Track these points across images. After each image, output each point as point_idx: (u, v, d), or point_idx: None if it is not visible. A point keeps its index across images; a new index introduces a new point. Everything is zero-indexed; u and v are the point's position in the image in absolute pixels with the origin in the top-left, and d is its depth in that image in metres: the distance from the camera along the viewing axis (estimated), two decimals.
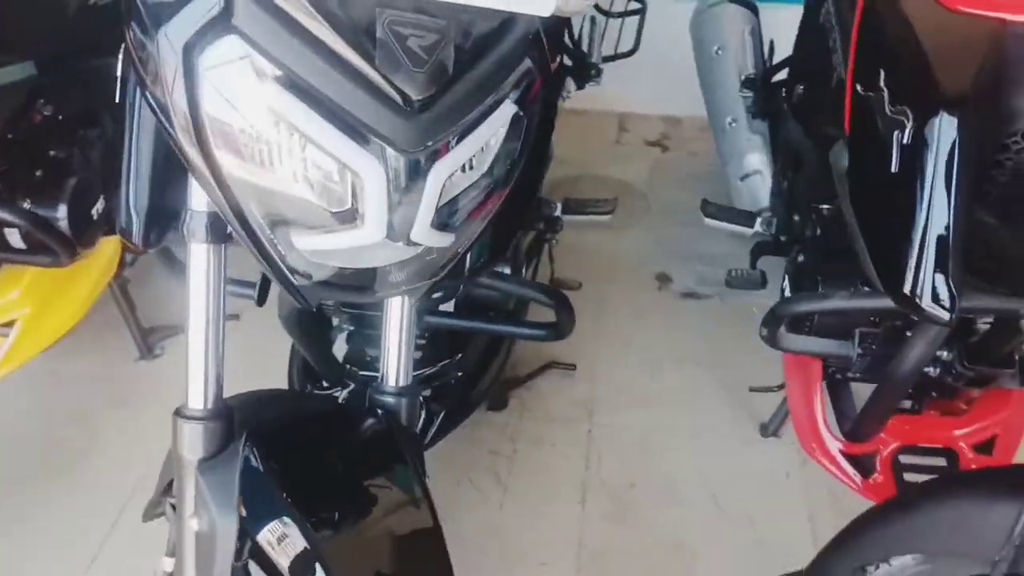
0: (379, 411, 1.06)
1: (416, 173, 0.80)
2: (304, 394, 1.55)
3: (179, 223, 1.02)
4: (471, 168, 0.85)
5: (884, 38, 1.10)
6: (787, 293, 1.49)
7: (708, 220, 1.95)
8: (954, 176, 0.96)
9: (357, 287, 0.91)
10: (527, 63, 0.86)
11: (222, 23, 0.74)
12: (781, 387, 1.86)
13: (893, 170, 1.00)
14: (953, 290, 0.96)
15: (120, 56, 1.05)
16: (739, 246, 2.14)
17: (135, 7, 0.78)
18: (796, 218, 1.66)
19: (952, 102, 0.97)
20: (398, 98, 0.77)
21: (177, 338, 2.08)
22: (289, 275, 0.85)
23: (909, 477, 1.51)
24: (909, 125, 0.99)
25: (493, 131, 0.85)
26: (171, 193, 1.12)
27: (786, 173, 1.81)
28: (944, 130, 0.96)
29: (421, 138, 0.79)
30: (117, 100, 1.07)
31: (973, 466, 1.44)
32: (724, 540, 1.72)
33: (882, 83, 1.05)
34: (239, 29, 0.74)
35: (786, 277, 1.51)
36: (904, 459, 1.49)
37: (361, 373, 1.54)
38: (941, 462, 1.52)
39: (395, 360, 1.07)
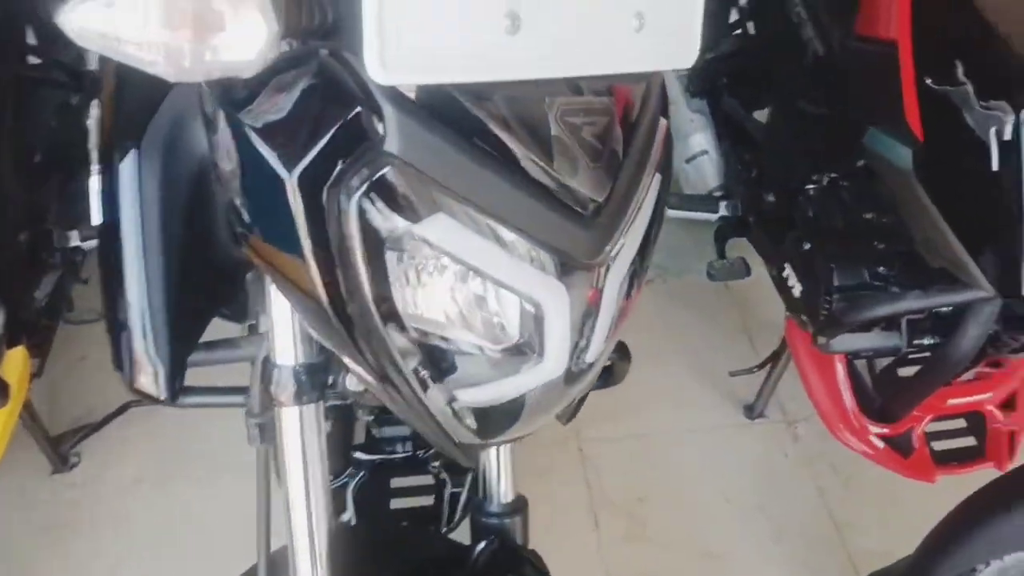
0: (489, 535, 0.91)
1: (594, 285, 0.65)
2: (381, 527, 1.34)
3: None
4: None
5: (953, 28, 1.03)
6: (792, 283, 1.43)
7: (669, 211, 1.86)
8: None
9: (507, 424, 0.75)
10: (663, 122, 0.73)
11: (372, 151, 0.55)
12: (761, 367, 1.82)
13: (994, 169, 0.94)
14: None
15: (94, 169, 0.84)
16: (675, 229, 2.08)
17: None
18: (771, 199, 1.60)
19: None
20: (576, 204, 0.62)
21: (90, 440, 1.79)
22: (453, 435, 0.68)
23: (937, 446, 1.51)
24: (1011, 119, 0.93)
25: (647, 212, 0.71)
26: (196, 328, 0.93)
27: (740, 151, 1.75)
28: None
29: (600, 245, 0.64)
30: (97, 220, 0.86)
31: (1000, 425, 1.45)
32: (747, 539, 1.68)
33: (961, 76, 0.98)
34: (394, 156, 0.56)
35: (788, 266, 1.45)
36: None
37: (374, 458, 1.35)
38: (962, 424, 1.54)
39: (497, 472, 0.91)
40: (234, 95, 0.60)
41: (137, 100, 0.91)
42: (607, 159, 0.63)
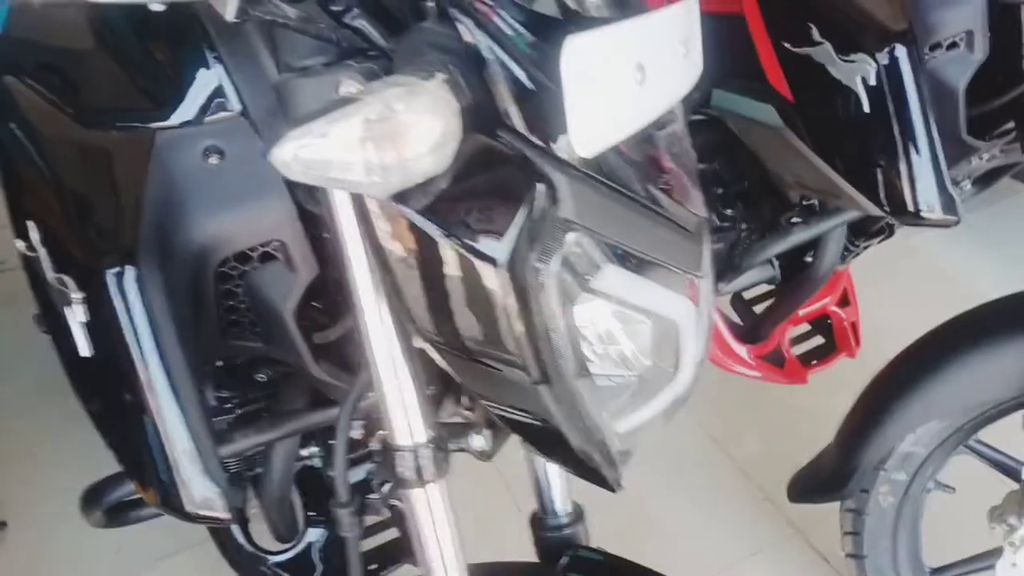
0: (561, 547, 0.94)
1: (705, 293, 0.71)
2: None
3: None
4: None
5: None
6: None
7: None
8: (925, 98, 1.09)
9: None
10: None
11: (552, 221, 0.57)
12: None
13: (866, 111, 1.10)
14: (953, 194, 1.11)
15: (75, 299, 0.78)
16: None
17: None
18: None
19: (901, 34, 1.08)
20: (686, 223, 0.67)
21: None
22: (614, 467, 0.70)
23: (796, 350, 1.72)
24: (873, 67, 1.09)
25: None
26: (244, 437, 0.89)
27: None
28: (903, 60, 1.08)
29: (705, 256, 0.70)
30: (85, 353, 0.79)
31: (845, 323, 1.69)
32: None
33: (817, 37, 1.13)
34: (572, 221, 0.58)
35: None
36: None
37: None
38: (806, 327, 1.77)
39: (554, 485, 0.94)
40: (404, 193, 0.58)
41: (92, 220, 0.83)
42: (694, 175, 0.69)
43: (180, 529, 1.32)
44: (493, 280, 0.57)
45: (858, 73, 1.10)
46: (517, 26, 0.58)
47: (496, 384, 0.65)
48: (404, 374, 0.73)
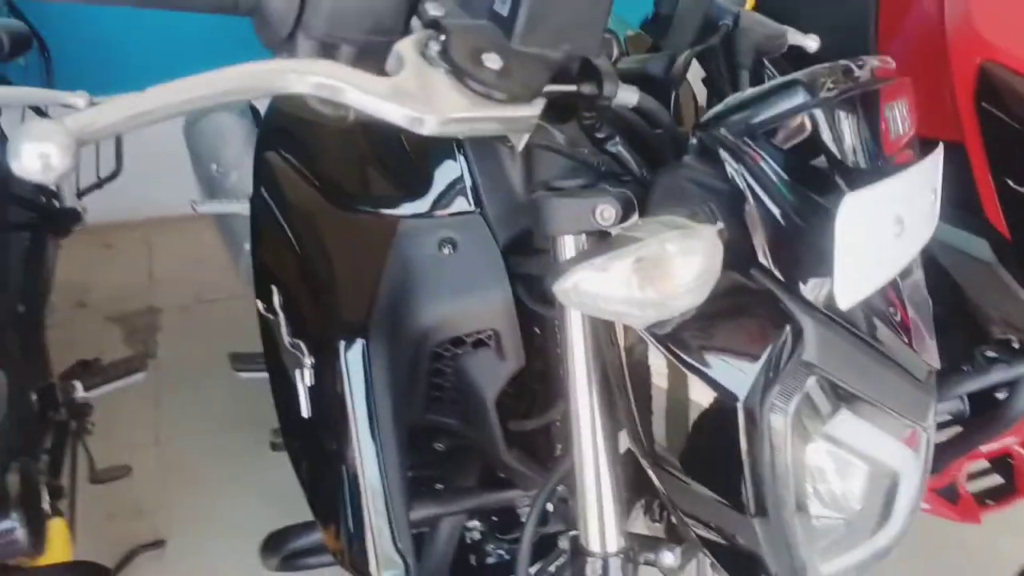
0: None
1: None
2: None
3: None
4: None
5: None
6: None
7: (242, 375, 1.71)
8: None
9: None
10: None
11: (795, 364, 0.58)
12: None
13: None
14: None
15: (306, 363, 0.83)
16: None
17: None
18: None
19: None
20: (919, 373, 0.67)
21: None
22: None
23: (972, 486, 1.64)
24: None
25: None
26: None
27: None
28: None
29: (932, 407, 0.69)
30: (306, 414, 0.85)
31: None
32: None
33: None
34: (815, 365, 0.59)
35: None
36: None
37: None
38: (985, 465, 1.68)
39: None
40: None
41: (332, 293, 0.89)
42: (930, 324, 0.68)
43: None
44: (731, 415, 0.58)
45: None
46: (779, 170, 0.60)
47: (707, 507, 0.66)
48: (606, 481, 0.75)
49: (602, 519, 0.75)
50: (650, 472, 0.69)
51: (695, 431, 0.62)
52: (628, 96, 0.64)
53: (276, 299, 0.92)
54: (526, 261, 0.86)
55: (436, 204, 0.90)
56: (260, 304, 0.96)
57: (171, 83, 0.47)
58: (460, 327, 0.87)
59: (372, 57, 0.58)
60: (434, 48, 0.56)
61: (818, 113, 0.60)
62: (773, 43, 0.92)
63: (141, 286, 2.58)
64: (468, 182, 0.87)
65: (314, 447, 0.91)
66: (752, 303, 0.59)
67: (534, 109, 0.58)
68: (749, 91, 0.63)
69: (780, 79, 0.62)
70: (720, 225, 0.57)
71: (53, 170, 0.43)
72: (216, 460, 2.02)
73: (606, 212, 0.65)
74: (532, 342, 0.89)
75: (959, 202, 1.22)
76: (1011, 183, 1.14)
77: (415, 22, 0.58)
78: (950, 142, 1.23)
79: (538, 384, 0.92)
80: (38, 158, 0.43)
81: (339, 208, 0.91)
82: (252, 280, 1.82)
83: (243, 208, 1.80)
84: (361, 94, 0.51)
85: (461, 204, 0.86)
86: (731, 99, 0.63)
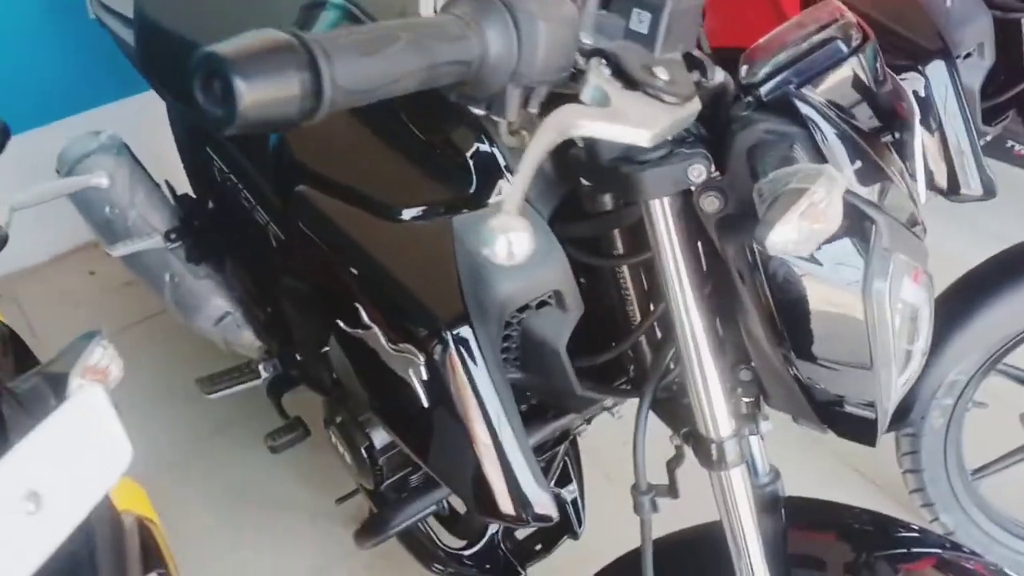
0: None
1: None
2: None
3: None
4: None
5: None
6: None
7: (212, 396, 1.85)
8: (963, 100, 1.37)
9: None
10: None
11: (877, 251, 0.80)
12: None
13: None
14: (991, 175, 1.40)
15: (420, 360, 0.95)
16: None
17: None
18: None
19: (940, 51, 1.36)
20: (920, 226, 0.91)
21: None
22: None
23: None
24: (922, 80, 1.37)
25: None
26: None
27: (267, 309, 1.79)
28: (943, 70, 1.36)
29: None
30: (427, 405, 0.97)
31: None
32: None
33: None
34: (888, 249, 0.81)
35: None
36: None
37: None
38: None
39: (760, 453, 1.16)
40: None
41: (424, 294, 1.00)
42: None
43: None
44: (850, 299, 0.79)
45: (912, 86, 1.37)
46: (837, 112, 0.80)
47: (834, 378, 0.87)
48: (712, 373, 0.91)
49: (713, 408, 0.93)
50: (774, 360, 0.88)
51: (818, 320, 0.82)
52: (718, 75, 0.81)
53: (363, 316, 1.01)
54: (573, 226, 1.01)
55: (480, 193, 1.02)
56: (342, 324, 1.04)
57: None
58: (528, 295, 1.01)
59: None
60: (605, 72, 0.69)
61: (853, 61, 0.81)
62: None
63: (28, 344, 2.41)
64: (503, 167, 1.00)
65: (441, 428, 1.02)
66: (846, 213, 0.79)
67: (696, 105, 0.74)
68: (791, 50, 0.81)
69: (818, 37, 0.81)
70: (845, 170, 0.76)
71: None
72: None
73: (696, 170, 0.81)
74: (583, 290, 1.05)
75: None
76: None
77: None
78: None
79: (594, 324, 1.08)
80: None
81: (394, 221, 1.01)
82: (186, 308, 1.80)
83: (155, 242, 1.78)
84: (608, 127, 0.65)
85: (504, 188, 1.00)
86: (778, 59, 0.81)
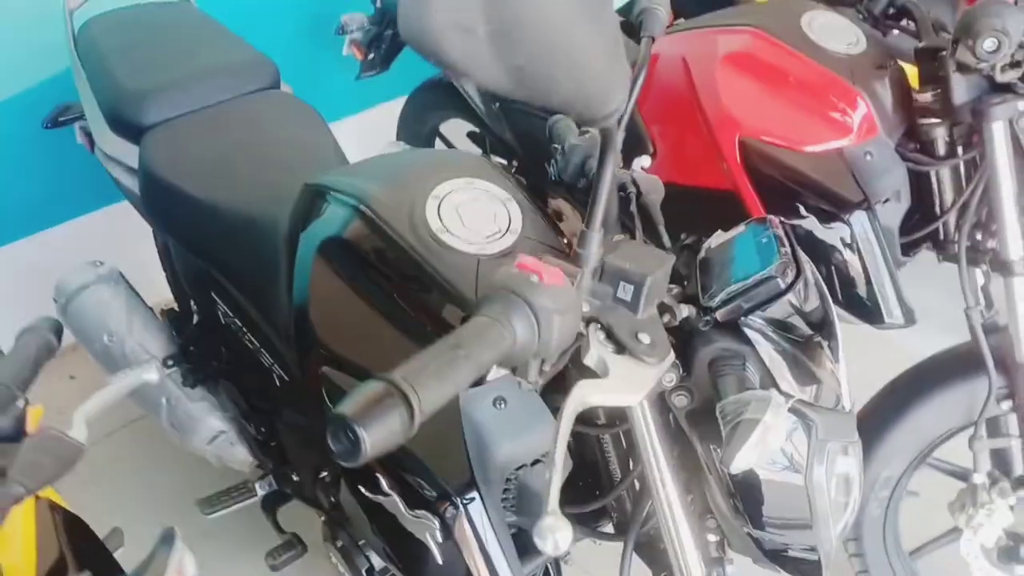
0: None
1: None
2: None
3: None
4: None
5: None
6: None
7: (212, 516, 1.93)
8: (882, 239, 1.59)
9: None
10: None
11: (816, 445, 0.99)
12: None
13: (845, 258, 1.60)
14: (910, 305, 1.62)
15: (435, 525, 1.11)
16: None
17: None
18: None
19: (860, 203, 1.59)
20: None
21: None
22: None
23: None
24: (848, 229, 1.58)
25: None
26: None
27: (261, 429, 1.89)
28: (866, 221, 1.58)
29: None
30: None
31: None
32: None
33: (803, 212, 1.62)
34: (827, 441, 1.00)
35: None
36: None
37: None
38: None
39: None
40: None
41: (434, 465, 1.16)
42: None
43: None
44: (794, 479, 0.98)
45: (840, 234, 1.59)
46: (775, 331, 1.00)
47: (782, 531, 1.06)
48: (686, 531, 1.10)
49: (686, 557, 1.11)
50: (732, 520, 1.07)
51: (774, 496, 1.01)
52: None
53: (383, 483, 1.18)
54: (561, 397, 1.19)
55: None
56: (364, 490, 1.20)
57: None
58: (525, 456, 1.18)
59: None
60: (600, 336, 0.88)
61: (790, 296, 1.01)
62: None
63: None
64: None
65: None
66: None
67: (671, 358, 0.93)
68: (736, 285, 1.01)
69: (762, 273, 1.00)
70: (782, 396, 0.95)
71: None
72: None
73: (669, 377, 1.01)
74: (571, 451, 1.23)
75: None
76: (781, 219, 1.65)
77: None
78: (723, 190, 1.72)
79: (582, 477, 1.26)
80: None
81: None
82: (182, 429, 1.93)
83: (154, 371, 1.90)
84: (611, 396, 0.83)
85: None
86: (730, 290, 1.01)
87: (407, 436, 0.71)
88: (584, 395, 0.86)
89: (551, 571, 1.62)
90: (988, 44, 1.38)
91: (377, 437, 0.69)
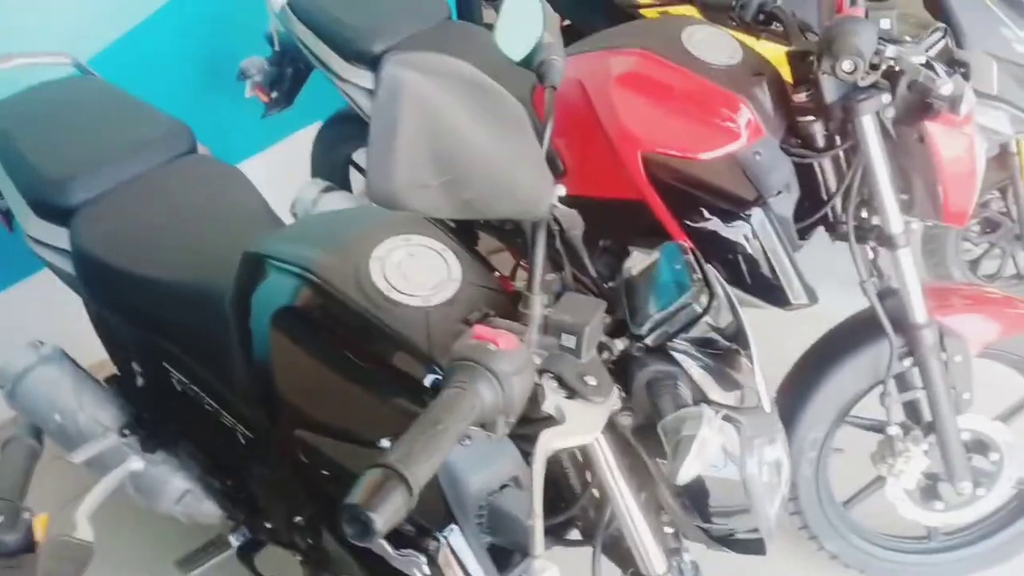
0: None
1: None
2: None
3: None
4: None
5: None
6: None
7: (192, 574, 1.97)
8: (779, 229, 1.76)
9: None
10: None
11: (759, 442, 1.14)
12: None
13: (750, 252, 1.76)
14: (811, 286, 1.80)
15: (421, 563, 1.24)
16: None
17: None
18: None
19: (756, 201, 1.75)
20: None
21: None
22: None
23: None
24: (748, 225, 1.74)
25: None
26: None
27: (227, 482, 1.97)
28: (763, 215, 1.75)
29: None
30: None
31: None
32: None
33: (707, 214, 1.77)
34: (754, 438, 1.15)
35: None
36: None
37: None
38: None
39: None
40: None
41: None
42: None
43: None
44: (732, 474, 1.13)
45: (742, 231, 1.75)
46: (698, 350, 1.14)
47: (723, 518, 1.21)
48: (645, 530, 1.24)
49: (647, 551, 1.26)
50: (682, 515, 1.21)
51: (717, 491, 1.15)
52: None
53: None
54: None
55: None
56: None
57: None
58: (494, 483, 1.30)
59: None
60: (553, 384, 1.00)
61: (707, 318, 1.15)
62: None
63: None
64: None
65: None
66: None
67: (615, 393, 1.06)
68: (661, 314, 1.15)
69: (680, 301, 1.14)
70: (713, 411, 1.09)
71: None
72: None
73: (613, 401, 1.14)
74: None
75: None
76: (688, 223, 1.80)
77: None
78: (633, 200, 1.86)
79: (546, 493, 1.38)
80: None
81: (376, 449, 1.28)
82: (148, 493, 1.97)
83: (111, 441, 1.94)
84: (572, 439, 0.96)
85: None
86: (655, 319, 1.14)
87: (410, 509, 0.82)
88: (549, 443, 0.98)
89: None
90: (847, 66, 1.55)
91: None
